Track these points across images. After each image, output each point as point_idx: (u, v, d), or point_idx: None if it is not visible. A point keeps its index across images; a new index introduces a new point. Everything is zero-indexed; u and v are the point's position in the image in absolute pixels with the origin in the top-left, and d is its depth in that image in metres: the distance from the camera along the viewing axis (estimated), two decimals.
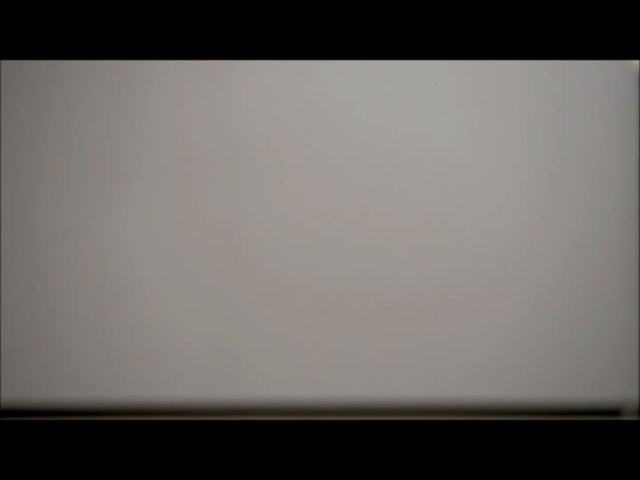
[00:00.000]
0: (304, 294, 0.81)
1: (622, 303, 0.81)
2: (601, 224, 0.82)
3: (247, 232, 0.82)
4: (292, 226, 0.82)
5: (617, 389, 0.81)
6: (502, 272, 0.81)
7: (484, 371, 0.80)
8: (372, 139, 0.83)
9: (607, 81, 0.84)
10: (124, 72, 0.83)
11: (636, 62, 0.84)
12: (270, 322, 0.81)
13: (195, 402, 0.80)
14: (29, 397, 0.80)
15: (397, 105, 0.83)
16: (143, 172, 0.82)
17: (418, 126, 0.83)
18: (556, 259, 0.82)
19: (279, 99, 0.83)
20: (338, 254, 0.81)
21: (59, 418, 0.80)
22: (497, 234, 0.82)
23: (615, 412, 0.81)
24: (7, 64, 0.83)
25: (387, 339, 0.81)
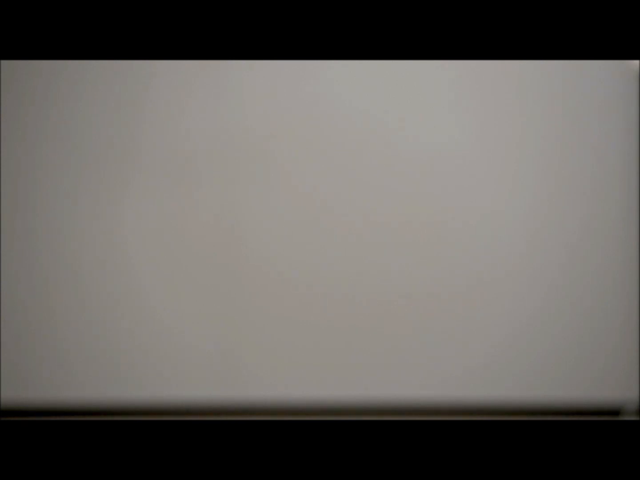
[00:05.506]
0: (304, 294, 0.81)
1: (622, 303, 0.81)
2: (601, 224, 0.82)
3: (248, 232, 0.82)
4: (292, 226, 0.82)
5: (617, 389, 0.81)
6: (502, 272, 0.81)
7: (483, 371, 0.80)
8: (372, 138, 0.83)
9: (607, 81, 0.84)
10: (124, 72, 0.83)
11: (636, 62, 0.84)
12: (271, 322, 0.81)
13: (195, 402, 0.80)
14: (29, 397, 0.80)
15: (398, 105, 0.83)
16: (143, 172, 0.82)
17: (418, 126, 0.83)
18: (556, 258, 0.82)
19: (279, 99, 0.83)
20: (338, 254, 0.81)
21: (59, 418, 0.80)
22: (496, 234, 0.82)
23: (615, 412, 0.81)
24: (7, 64, 0.83)
25: (387, 339, 0.81)
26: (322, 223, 0.82)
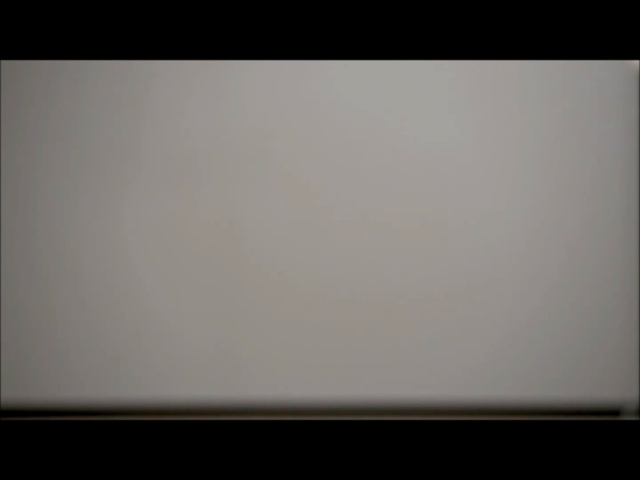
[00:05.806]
0: (304, 294, 0.81)
1: (622, 303, 0.81)
2: (601, 224, 0.82)
3: (248, 232, 0.82)
4: (292, 226, 0.82)
5: (617, 389, 0.81)
6: (502, 272, 0.81)
7: (483, 371, 0.80)
8: (372, 138, 0.83)
9: (607, 81, 0.84)
10: (124, 72, 0.83)
11: (636, 62, 0.84)
12: (271, 322, 0.81)
13: (195, 402, 0.80)
14: (29, 397, 0.80)
15: (398, 105, 0.83)
16: (143, 172, 0.82)
17: (418, 126, 0.83)
18: (556, 259, 0.82)
19: (279, 99, 0.83)
20: (338, 254, 0.81)
21: (59, 418, 0.80)
22: (496, 234, 0.82)
23: (615, 412, 0.81)
24: (7, 64, 0.83)
25: (387, 339, 0.81)
26: (322, 223, 0.82)
